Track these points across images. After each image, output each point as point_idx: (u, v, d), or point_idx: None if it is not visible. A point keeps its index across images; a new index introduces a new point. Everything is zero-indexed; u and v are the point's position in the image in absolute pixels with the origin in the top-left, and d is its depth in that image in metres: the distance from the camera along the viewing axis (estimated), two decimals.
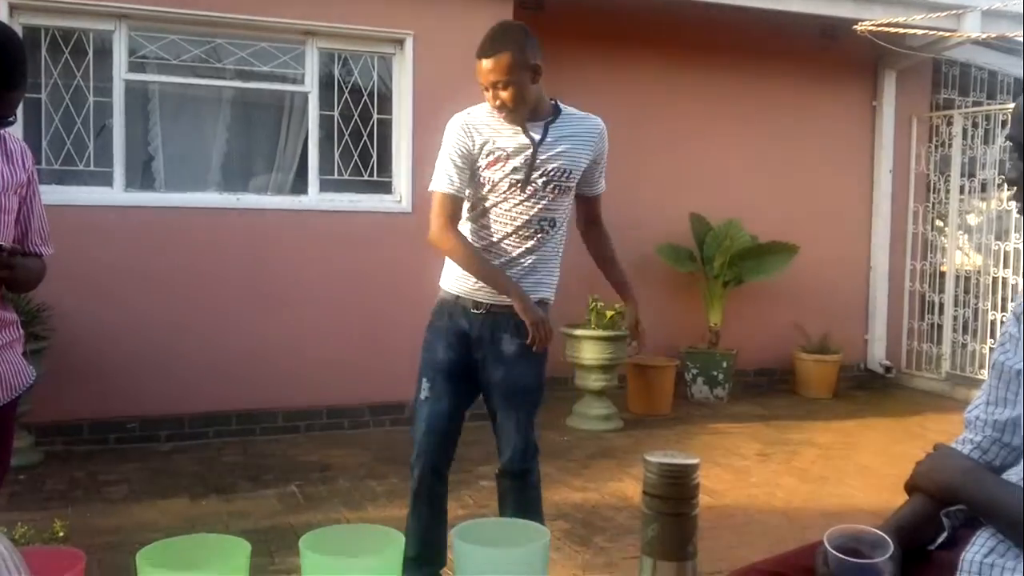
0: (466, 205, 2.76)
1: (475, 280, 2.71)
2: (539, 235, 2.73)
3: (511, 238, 2.72)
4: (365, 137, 5.81)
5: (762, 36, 7.00)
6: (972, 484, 1.43)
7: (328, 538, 0.94)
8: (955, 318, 7.39)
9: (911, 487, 1.55)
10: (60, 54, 5.17)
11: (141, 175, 5.47)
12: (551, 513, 4.11)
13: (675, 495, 0.65)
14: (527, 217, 2.70)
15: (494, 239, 2.72)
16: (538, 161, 2.67)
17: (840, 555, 1.24)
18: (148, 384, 5.21)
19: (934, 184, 7.70)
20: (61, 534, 3.16)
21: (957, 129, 7.39)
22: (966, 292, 7.35)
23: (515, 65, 2.57)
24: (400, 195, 5.80)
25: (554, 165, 2.69)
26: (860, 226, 7.73)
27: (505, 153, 2.67)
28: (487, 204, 2.72)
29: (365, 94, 5.81)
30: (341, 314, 5.54)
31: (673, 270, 6.85)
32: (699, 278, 6.91)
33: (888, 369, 7.60)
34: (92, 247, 5.10)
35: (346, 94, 5.77)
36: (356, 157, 5.79)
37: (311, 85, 5.64)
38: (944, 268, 7.54)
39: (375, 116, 5.82)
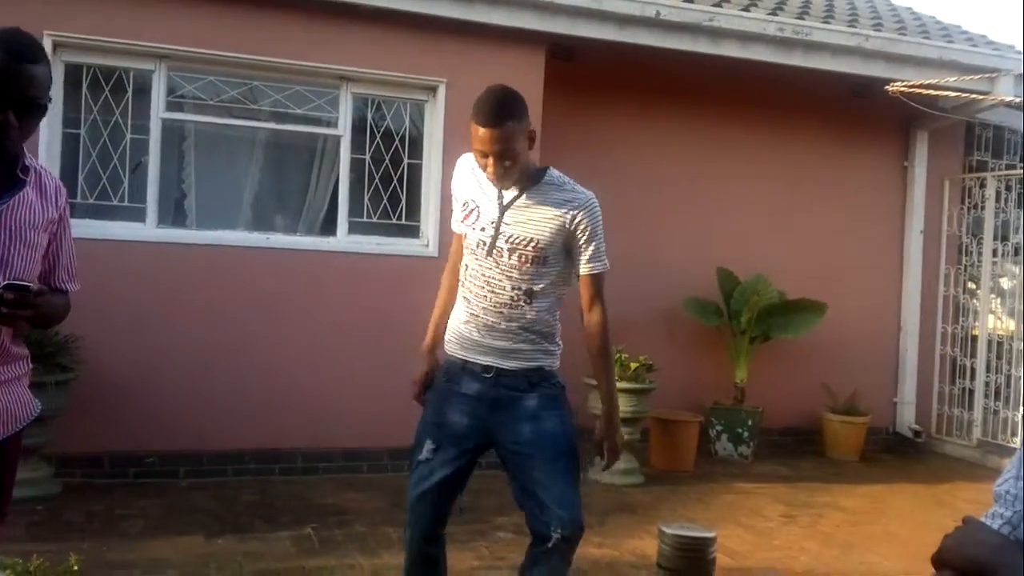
0: (461, 265, 2.73)
1: (475, 343, 2.63)
2: (516, 303, 2.59)
3: (489, 302, 2.61)
4: (395, 181, 5.86)
5: (793, 93, 7.01)
6: (1002, 562, 1.38)
7: None
8: (987, 384, 7.24)
9: (938, 561, 1.50)
10: (100, 91, 5.29)
11: (173, 212, 5.55)
12: (570, 569, 4.04)
13: (691, 569, 0.62)
14: (500, 283, 2.59)
15: (477, 303, 2.63)
16: (503, 225, 2.58)
17: None
18: (170, 419, 5.22)
19: (966, 246, 7.62)
20: (76, 568, 3.14)
21: (990, 191, 7.33)
22: (998, 357, 7.22)
23: (518, 135, 2.49)
24: (427, 239, 5.83)
25: (517, 232, 2.56)
26: (890, 286, 7.65)
27: (477, 208, 2.63)
28: (469, 263, 2.66)
29: (396, 139, 5.88)
30: (364, 356, 5.54)
31: (699, 324, 6.80)
32: (725, 333, 6.85)
33: (917, 433, 7.45)
34: (123, 281, 5.15)
35: (378, 138, 5.84)
36: (385, 200, 5.83)
37: (344, 129, 5.72)
38: (976, 332, 7.42)
39: (405, 160, 5.88)
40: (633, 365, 5.66)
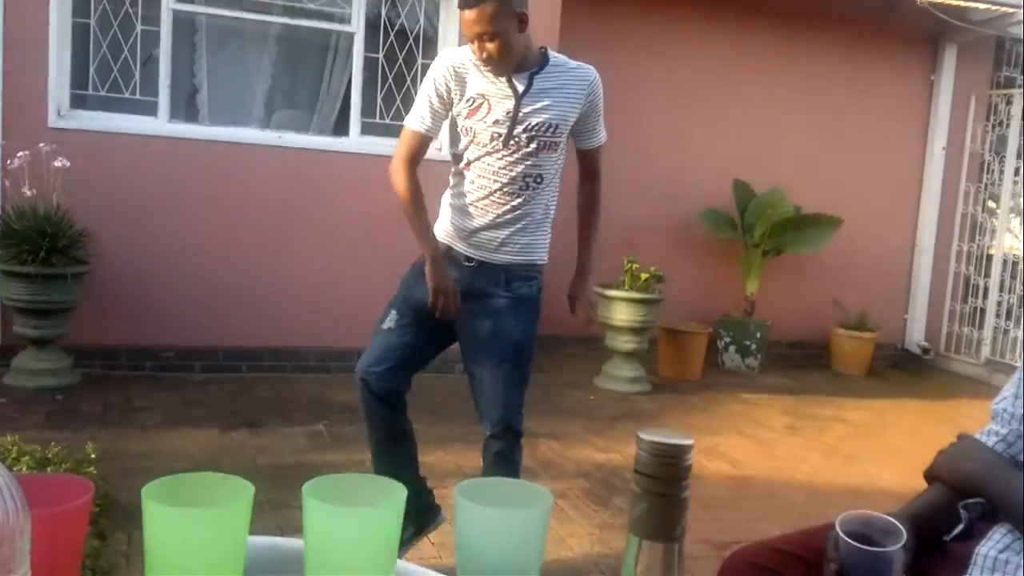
0: (456, 158, 2.67)
1: (469, 232, 2.62)
2: (525, 192, 2.60)
3: (496, 195, 2.59)
4: (408, 81, 5.76)
5: (819, 2, 6.79)
6: (994, 478, 1.40)
7: (331, 487, 0.93)
8: (999, 303, 7.23)
9: (931, 476, 1.52)
10: None
11: (185, 106, 5.50)
12: (572, 471, 4.14)
13: (666, 475, 0.63)
14: (512, 173, 2.57)
15: (479, 195, 2.61)
16: (521, 114, 2.53)
17: (851, 541, 1.22)
18: (185, 314, 5.29)
19: (988, 164, 7.49)
20: (93, 456, 3.23)
21: (1017, 109, 7.15)
22: (1012, 277, 7.18)
23: (501, 15, 2.42)
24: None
25: (538, 119, 2.55)
26: (908, 203, 7.56)
27: (487, 102, 2.55)
28: (470, 157, 2.60)
29: (411, 37, 5.75)
30: (377, 256, 5.54)
31: (712, 236, 6.77)
32: (738, 246, 6.82)
33: (926, 350, 7.48)
34: (135, 176, 5.15)
35: (392, 37, 5.72)
36: (399, 101, 5.75)
37: (357, 26, 5.60)
38: (992, 251, 7.37)
39: (419, 60, 5.77)
40: (643, 276, 5.66)
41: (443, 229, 2.71)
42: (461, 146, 2.62)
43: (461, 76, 2.57)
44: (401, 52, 5.72)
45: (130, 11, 5.22)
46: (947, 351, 7.57)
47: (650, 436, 0.66)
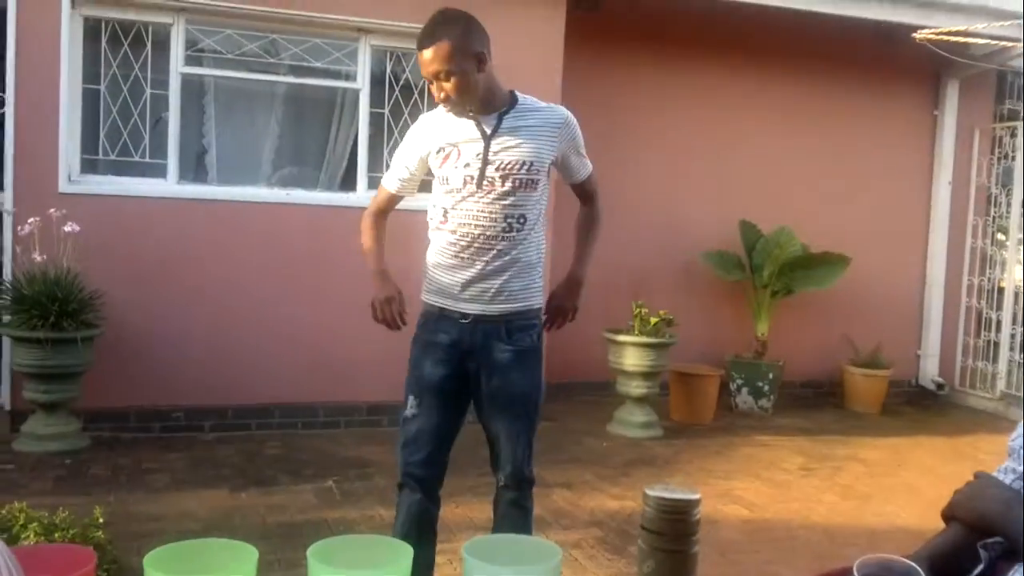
0: (432, 211, 2.65)
1: (461, 287, 2.59)
2: (510, 234, 2.55)
3: (480, 240, 2.54)
4: None
5: (820, 41, 6.87)
6: (1012, 516, 1.37)
7: (337, 549, 0.93)
8: (1012, 336, 7.17)
9: (948, 515, 1.49)
10: (119, 46, 5.28)
11: (195, 167, 5.56)
12: (585, 519, 4.09)
13: (674, 531, 0.62)
14: (492, 215, 2.53)
15: (463, 244, 2.56)
16: (491, 154, 2.52)
17: None
18: (195, 374, 5.29)
19: (995, 197, 7.49)
20: (100, 520, 3.21)
21: (1020, 141, 7.18)
22: None
23: (456, 53, 2.42)
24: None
25: (510, 158, 2.52)
26: (916, 238, 7.56)
27: (456, 148, 2.55)
28: (447, 206, 2.58)
29: (416, 91, 5.83)
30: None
31: (721, 278, 6.76)
32: (747, 287, 6.81)
33: (940, 386, 7.41)
34: (145, 237, 5.20)
35: (397, 91, 5.80)
36: None
37: (363, 82, 5.68)
38: (1003, 283, 7.33)
39: (424, 114, 5.83)
40: (653, 320, 5.65)
41: (432, 292, 2.67)
42: (437, 195, 2.63)
43: (434, 130, 2.61)
44: (406, 106, 5.80)
45: (139, 76, 5.32)
46: (962, 386, 7.49)
47: (656, 492, 0.65)
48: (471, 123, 2.55)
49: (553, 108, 2.66)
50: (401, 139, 2.81)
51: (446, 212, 2.58)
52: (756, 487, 4.76)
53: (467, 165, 2.53)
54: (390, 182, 2.77)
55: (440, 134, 2.59)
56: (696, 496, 0.63)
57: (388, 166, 5.87)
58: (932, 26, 6.34)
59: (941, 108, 7.48)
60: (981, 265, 7.48)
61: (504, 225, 2.54)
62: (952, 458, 5.60)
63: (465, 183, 2.53)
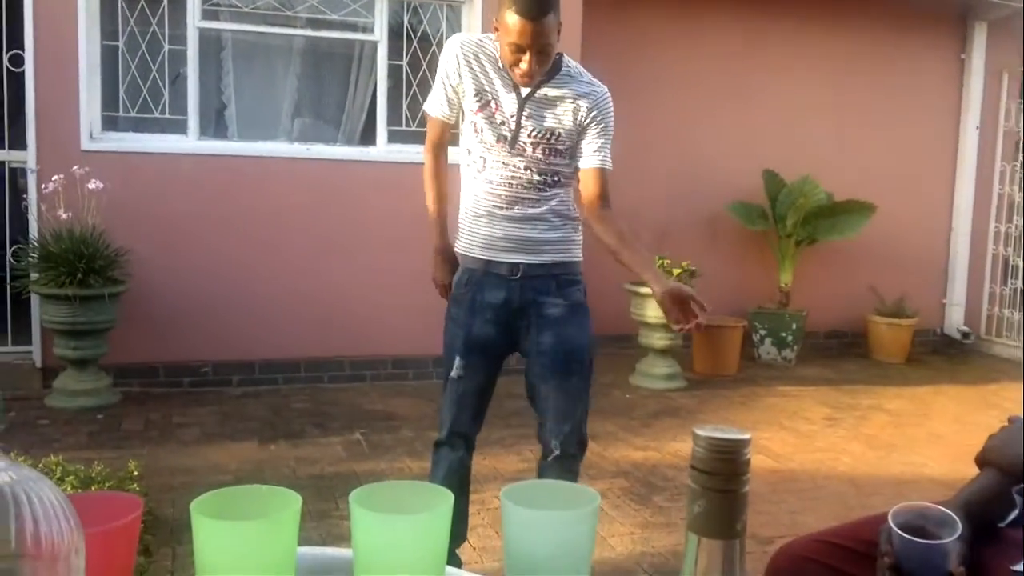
0: (468, 157, 2.55)
1: (502, 237, 2.50)
2: (547, 188, 2.49)
3: (519, 188, 2.47)
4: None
5: None
6: None
7: (377, 494, 0.93)
8: None
9: (982, 461, 1.49)
10: (136, 2, 5.24)
11: (215, 123, 5.55)
12: (611, 470, 4.12)
13: (724, 471, 0.62)
14: (528, 171, 2.47)
15: (504, 192, 2.49)
16: (524, 119, 2.44)
17: (905, 535, 1.19)
18: (221, 329, 5.34)
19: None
20: (136, 473, 3.27)
21: None
22: None
23: (556, 27, 2.31)
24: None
25: (539, 126, 2.45)
26: (942, 185, 7.45)
27: (494, 99, 2.45)
28: (484, 155, 2.49)
29: (434, 43, 5.76)
30: (408, 265, 5.56)
31: (744, 228, 6.71)
32: (771, 236, 6.76)
33: (966, 335, 7.36)
34: (168, 194, 5.21)
35: (415, 43, 5.74)
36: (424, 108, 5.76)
37: (380, 34, 5.62)
38: None
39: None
40: (676, 271, 5.61)
41: (474, 245, 2.56)
42: (470, 139, 2.52)
43: (473, 66, 2.47)
44: (425, 58, 5.74)
45: (157, 31, 5.29)
46: (988, 334, 7.44)
47: (706, 432, 0.65)
48: (509, 80, 2.44)
49: (592, 83, 2.52)
50: (421, 92, 2.71)
51: (485, 162, 2.50)
52: (781, 437, 4.77)
53: (502, 123, 2.46)
54: (436, 107, 2.58)
55: (479, 73, 2.47)
56: (746, 436, 0.62)
57: (407, 119, 5.84)
58: None
59: (968, 52, 7.32)
60: (1008, 212, 7.38)
61: (539, 179, 2.48)
62: (978, 407, 5.58)
63: (499, 140, 2.46)
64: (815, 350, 6.95)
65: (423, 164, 2.68)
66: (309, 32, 5.64)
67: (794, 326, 6.55)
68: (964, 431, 4.99)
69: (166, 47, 5.32)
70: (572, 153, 2.52)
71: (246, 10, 5.46)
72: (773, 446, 4.60)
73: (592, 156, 2.52)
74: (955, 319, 7.45)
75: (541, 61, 2.34)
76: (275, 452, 4.25)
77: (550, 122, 2.46)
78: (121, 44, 5.25)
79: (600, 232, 2.55)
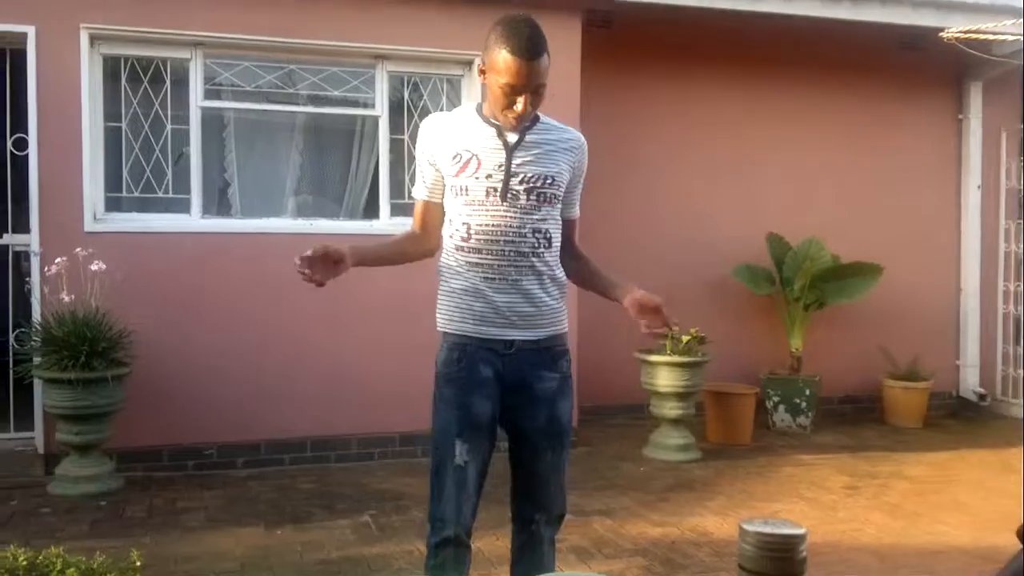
0: (450, 228, 2.46)
1: (494, 310, 2.39)
2: (538, 251, 2.40)
3: (511, 257, 2.38)
4: None
5: (839, 48, 6.79)
6: None
7: None
8: None
9: None
10: (139, 83, 5.28)
11: (218, 201, 5.54)
12: (628, 548, 3.99)
13: (778, 572, 0.53)
14: (520, 229, 2.37)
15: (492, 262, 2.38)
16: (514, 166, 2.37)
17: None
18: (226, 410, 5.25)
19: None
20: (139, 563, 3.15)
21: None
22: None
23: (548, 66, 2.32)
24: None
25: (533, 171, 2.39)
26: (948, 245, 7.42)
27: (475, 157, 2.39)
28: (470, 221, 2.39)
29: None
30: (414, 339, 5.48)
31: (751, 293, 6.65)
32: (779, 301, 6.70)
33: (982, 397, 7.25)
34: (172, 273, 5.17)
35: (416, 117, 5.76)
36: None
37: (381, 109, 5.65)
38: None
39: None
40: (685, 338, 5.55)
41: (463, 320, 2.43)
42: (454, 206, 2.43)
43: (446, 133, 2.44)
44: None
45: (160, 112, 5.31)
46: (1004, 395, 7.33)
47: (755, 527, 0.56)
48: (491, 131, 2.39)
49: (571, 130, 2.53)
50: None
51: (469, 228, 2.39)
52: (801, 508, 4.64)
53: (488, 176, 2.37)
54: (418, 190, 2.55)
55: (452, 139, 2.42)
56: (803, 531, 0.54)
57: (409, 192, 5.84)
58: (953, 27, 6.23)
59: (966, 112, 7.37)
60: (1016, 270, 7.33)
61: (533, 241, 2.39)
62: (1001, 471, 5.45)
63: (488, 195, 2.37)
64: (830, 416, 6.83)
65: None
66: (311, 109, 5.67)
67: (807, 392, 6.45)
68: (988, 497, 4.85)
69: (169, 127, 5.34)
70: (558, 204, 2.47)
71: (248, 89, 5.50)
72: (794, 518, 4.44)
73: (573, 207, 2.57)
74: (970, 381, 7.34)
75: (535, 102, 2.33)
76: (281, 537, 4.12)
77: (542, 166, 2.41)
78: (124, 125, 5.27)
79: (574, 277, 2.60)
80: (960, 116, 7.40)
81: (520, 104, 2.30)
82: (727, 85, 6.83)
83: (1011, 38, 6.37)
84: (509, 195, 2.37)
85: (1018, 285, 7.31)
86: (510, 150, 2.39)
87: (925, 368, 6.83)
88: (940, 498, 4.89)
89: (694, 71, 6.76)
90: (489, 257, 2.39)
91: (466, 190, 2.39)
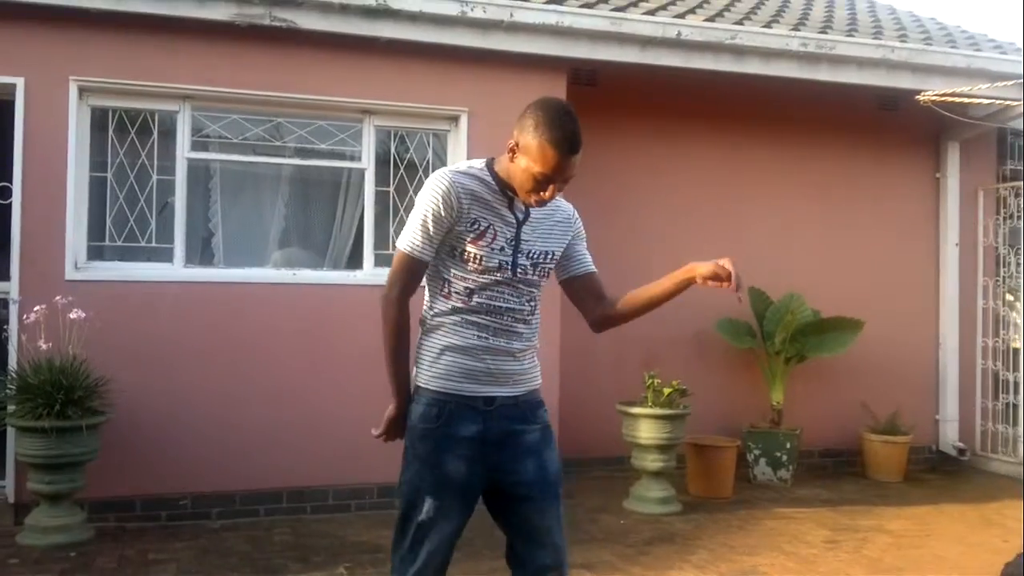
0: (447, 288, 2.42)
1: (488, 373, 2.39)
2: (531, 318, 2.49)
3: (507, 321, 2.42)
4: None
5: (819, 108, 6.94)
6: None
7: None
8: None
9: None
10: (126, 134, 5.32)
11: (201, 251, 5.56)
12: None
13: None
14: (521, 300, 2.44)
15: (494, 327, 2.40)
16: (522, 242, 2.42)
17: None
18: (201, 460, 5.20)
19: (1003, 257, 7.46)
20: None
21: None
22: None
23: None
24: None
25: (537, 247, 2.45)
26: (927, 301, 7.49)
27: (492, 227, 2.38)
28: (474, 287, 2.39)
29: (420, 170, 5.86)
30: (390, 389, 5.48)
31: (732, 347, 6.68)
32: (760, 355, 6.73)
33: (962, 451, 7.26)
34: (152, 322, 5.16)
35: (402, 170, 5.83)
36: None
37: (368, 162, 5.72)
38: (1016, 344, 7.24)
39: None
40: (666, 390, 5.56)
41: (446, 378, 2.41)
42: (460, 271, 2.39)
43: (465, 198, 2.36)
44: (412, 184, 5.82)
45: (146, 162, 5.36)
46: (983, 450, 7.34)
47: None
48: (505, 202, 2.40)
49: (563, 203, 2.59)
50: (408, 215, 2.56)
51: (472, 293, 2.39)
52: (781, 562, 4.60)
53: (502, 249, 2.39)
54: (416, 247, 2.38)
55: (474, 203, 2.37)
56: None
57: (393, 243, 5.89)
58: (930, 89, 6.38)
59: (943, 171, 7.49)
60: (994, 326, 7.40)
61: (529, 308, 2.47)
62: (980, 526, 5.44)
63: (500, 267, 2.38)
64: (810, 469, 6.83)
65: (385, 301, 2.44)
66: (297, 161, 5.73)
67: (788, 445, 6.44)
68: (968, 552, 4.84)
69: (154, 177, 5.37)
70: (551, 271, 2.54)
71: (235, 141, 5.55)
72: (775, 573, 4.44)
73: (586, 262, 2.61)
74: (950, 435, 7.36)
75: (561, 190, 2.37)
76: None
77: (545, 243, 2.48)
78: (110, 175, 5.31)
79: (619, 313, 2.60)
80: (938, 175, 7.53)
81: (548, 192, 2.32)
82: (709, 143, 6.94)
83: (986, 101, 6.52)
84: (519, 269, 2.41)
85: (996, 341, 7.37)
86: (519, 225, 2.43)
87: (905, 422, 6.85)
88: (920, 552, 4.87)
89: (678, 129, 6.87)
90: (488, 320, 2.41)
91: (479, 260, 2.37)
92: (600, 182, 6.38)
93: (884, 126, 7.26)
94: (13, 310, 4.91)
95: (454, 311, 2.41)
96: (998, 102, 6.57)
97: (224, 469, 5.23)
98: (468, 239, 2.37)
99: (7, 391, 4.72)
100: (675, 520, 5.42)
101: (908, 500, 6.13)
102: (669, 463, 5.61)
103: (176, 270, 5.35)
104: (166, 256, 5.37)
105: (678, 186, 6.87)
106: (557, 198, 2.50)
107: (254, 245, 5.71)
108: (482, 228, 2.37)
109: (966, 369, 7.43)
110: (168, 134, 5.39)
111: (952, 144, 7.42)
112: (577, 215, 2.63)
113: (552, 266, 2.52)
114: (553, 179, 2.30)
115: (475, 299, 2.40)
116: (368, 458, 5.42)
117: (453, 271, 2.40)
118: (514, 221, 2.42)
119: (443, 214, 2.35)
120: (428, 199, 2.37)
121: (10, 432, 4.80)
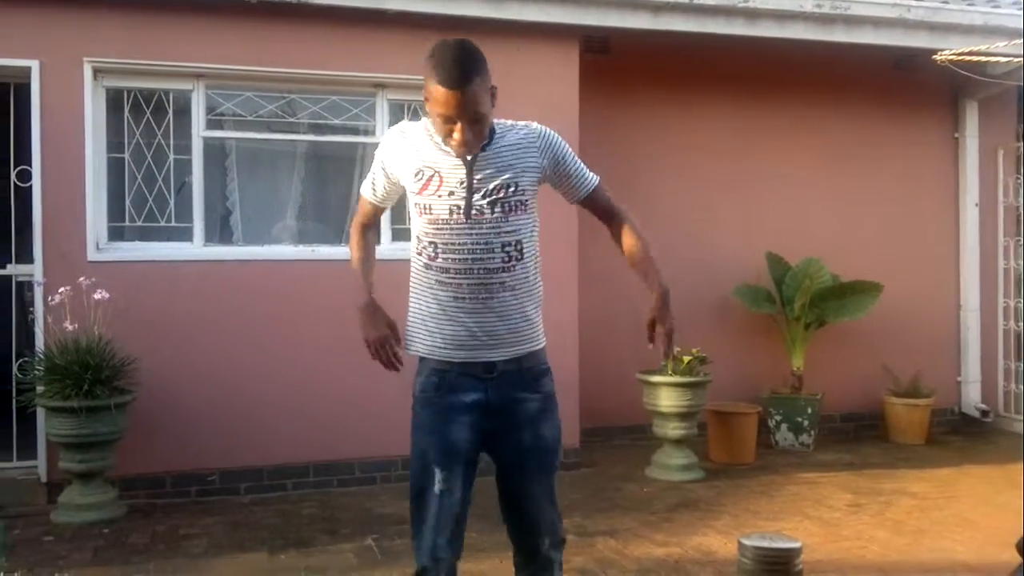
0: (418, 245, 2.42)
1: (473, 336, 2.36)
2: (509, 264, 2.35)
3: (480, 275, 2.33)
4: None
5: (835, 70, 6.86)
6: None
7: None
8: None
9: None
10: (142, 114, 5.34)
11: (220, 229, 5.59)
12: (632, 569, 3.99)
13: None
14: (488, 245, 2.32)
15: (462, 282, 2.34)
16: (476, 181, 2.31)
17: None
18: (229, 436, 5.26)
19: None
20: None
21: None
22: None
23: (485, 91, 2.23)
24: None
25: (494, 182, 2.33)
26: (947, 262, 7.44)
27: (437, 174, 2.33)
28: (436, 240, 2.35)
29: None
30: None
31: (751, 313, 6.67)
32: (779, 320, 6.71)
33: (985, 413, 7.24)
34: (174, 301, 5.20)
35: None
36: None
37: (382, 136, 5.70)
38: None
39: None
40: (686, 358, 5.57)
41: (436, 345, 2.42)
42: (419, 224, 2.39)
43: (408, 147, 2.39)
44: None
45: (162, 142, 5.38)
46: (1007, 411, 7.32)
47: (753, 541, 0.59)
48: (448, 150, 2.34)
49: (526, 124, 2.45)
50: None
51: (436, 247, 2.35)
52: (805, 527, 4.63)
53: (451, 194, 2.32)
54: (369, 191, 2.58)
55: (415, 154, 2.37)
56: (797, 544, 0.57)
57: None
58: (947, 48, 6.29)
59: (962, 130, 7.41)
60: (1016, 286, 7.35)
61: (503, 255, 2.34)
62: (1004, 487, 5.43)
63: (452, 213, 2.32)
64: (832, 434, 6.83)
65: (349, 233, 2.68)
66: (312, 137, 5.73)
67: (809, 410, 6.45)
68: (993, 513, 4.84)
69: (171, 157, 5.40)
70: (530, 208, 2.41)
71: (250, 119, 5.56)
72: (798, 536, 4.43)
73: (582, 183, 2.51)
74: (972, 397, 7.34)
75: (476, 131, 2.26)
76: (285, 562, 4.12)
77: (503, 175, 2.35)
78: (127, 156, 5.34)
79: (622, 243, 2.61)
80: (956, 135, 7.45)
81: (458, 133, 2.24)
82: (724, 108, 6.89)
83: (1004, 59, 6.42)
84: (473, 212, 2.32)
85: (1018, 301, 7.32)
86: (470, 165, 2.32)
87: (926, 385, 6.83)
88: (944, 514, 4.88)
89: (691, 94, 6.82)
90: (458, 276, 2.35)
91: (429, 209, 2.35)
92: (614, 150, 6.34)
93: (900, 87, 7.18)
94: (38, 292, 4.96)
95: (426, 268, 2.41)
96: (1017, 59, 6.47)
97: (251, 445, 5.29)
98: (416, 191, 2.38)
99: (35, 372, 4.78)
100: (698, 487, 5.45)
101: (931, 462, 6.13)
102: (690, 431, 5.63)
103: (196, 249, 5.38)
104: (186, 235, 5.40)
105: (693, 152, 6.83)
106: (522, 122, 2.46)
107: (272, 222, 5.73)
108: (426, 177, 2.36)
109: (988, 330, 7.39)
110: (183, 113, 5.41)
111: (970, 103, 7.33)
112: (549, 133, 2.45)
113: (520, 198, 2.36)
114: (454, 118, 2.22)
115: (440, 255, 2.36)
116: (393, 431, 5.43)
117: (419, 227, 2.42)
118: (462, 162, 2.32)
119: (384, 165, 2.48)
120: (380, 154, 2.51)
121: (40, 413, 4.87)
